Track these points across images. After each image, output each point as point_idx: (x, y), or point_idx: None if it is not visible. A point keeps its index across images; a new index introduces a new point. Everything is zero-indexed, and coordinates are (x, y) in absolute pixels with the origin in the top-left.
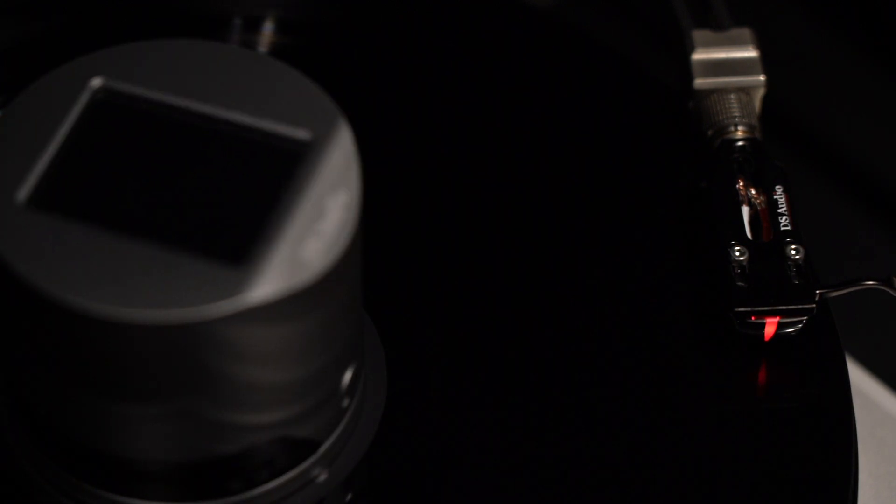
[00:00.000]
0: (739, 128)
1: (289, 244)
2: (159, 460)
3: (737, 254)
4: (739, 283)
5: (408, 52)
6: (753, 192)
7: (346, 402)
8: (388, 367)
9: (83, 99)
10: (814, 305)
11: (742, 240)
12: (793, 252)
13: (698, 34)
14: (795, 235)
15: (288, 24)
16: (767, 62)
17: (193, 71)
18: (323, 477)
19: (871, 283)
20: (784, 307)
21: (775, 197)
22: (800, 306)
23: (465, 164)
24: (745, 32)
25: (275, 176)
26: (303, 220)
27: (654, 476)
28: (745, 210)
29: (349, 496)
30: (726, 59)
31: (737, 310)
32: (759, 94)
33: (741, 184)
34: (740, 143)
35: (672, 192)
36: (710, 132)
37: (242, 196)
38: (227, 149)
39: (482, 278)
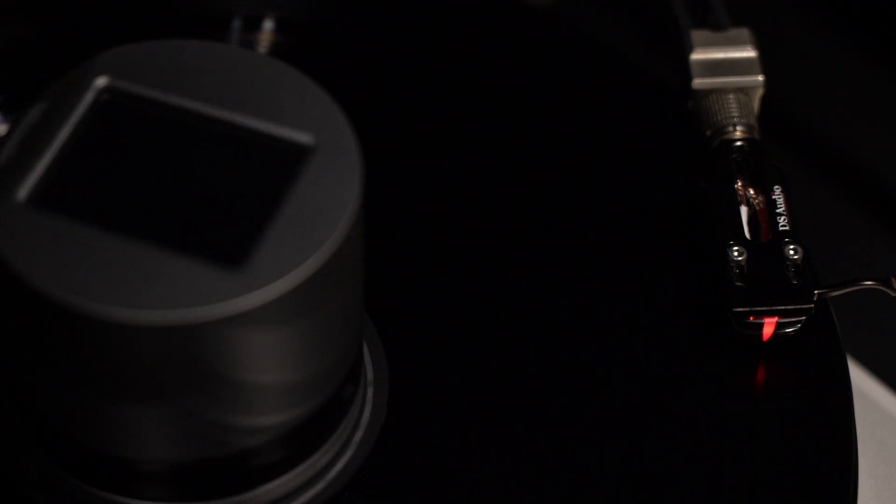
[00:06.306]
0: (738, 128)
1: (288, 245)
2: (159, 460)
3: (735, 254)
4: (738, 284)
5: (408, 52)
6: (752, 192)
7: (346, 404)
8: (389, 367)
9: (87, 99)
10: (812, 305)
11: (740, 240)
12: (791, 252)
13: (697, 34)
14: (794, 235)
15: (288, 24)
16: (766, 62)
17: (194, 72)
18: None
19: (870, 283)
20: (782, 307)
21: (774, 197)
22: (798, 306)
23: (466, 163)
24: (744, 32)
25: (275, 177)
26: (303, 220)
27: (654, 476)
28: (744, 210)
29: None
30: (725, 59)
31: (735, 310)
32: (758, 94)
33: (740, 184)
34: (739, 143)
35: (671, 192)
36: (708, 132)
37: (243, 197)
38: (227, 149)
39: (481, 278)
